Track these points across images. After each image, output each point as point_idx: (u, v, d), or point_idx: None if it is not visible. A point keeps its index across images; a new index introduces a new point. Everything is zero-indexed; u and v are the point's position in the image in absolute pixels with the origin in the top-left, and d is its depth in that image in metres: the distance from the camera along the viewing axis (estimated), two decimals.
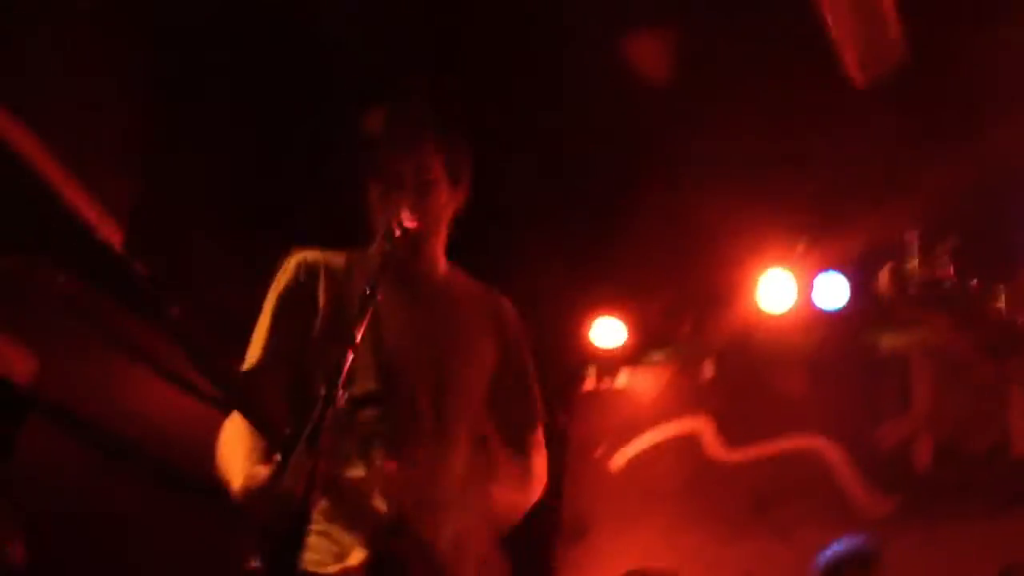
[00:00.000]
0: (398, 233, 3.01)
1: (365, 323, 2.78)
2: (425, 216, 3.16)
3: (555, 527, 7.11)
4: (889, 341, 6.71)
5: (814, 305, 6.65)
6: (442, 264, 3.37)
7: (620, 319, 7.19)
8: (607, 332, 7.20)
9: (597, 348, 7.27)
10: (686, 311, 7.15)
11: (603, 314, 7.18)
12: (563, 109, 5.87)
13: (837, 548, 5.61)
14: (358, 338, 2.74)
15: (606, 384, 7.45)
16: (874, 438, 6.63)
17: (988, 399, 6.36)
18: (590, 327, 7.20)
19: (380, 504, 2.97)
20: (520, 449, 3.39)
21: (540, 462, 3.41)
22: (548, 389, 6.64)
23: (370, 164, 3.23)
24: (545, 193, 6.16)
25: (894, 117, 5.66)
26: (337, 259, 3.27)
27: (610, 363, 7.40)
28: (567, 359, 7.32)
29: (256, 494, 2.79)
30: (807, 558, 5.72)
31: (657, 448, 7.24)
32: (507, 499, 3.27)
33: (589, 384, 7.48)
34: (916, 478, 6.43)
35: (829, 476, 6.66)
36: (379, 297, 2.85)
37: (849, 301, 6.57)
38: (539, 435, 3.45)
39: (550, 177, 6.13)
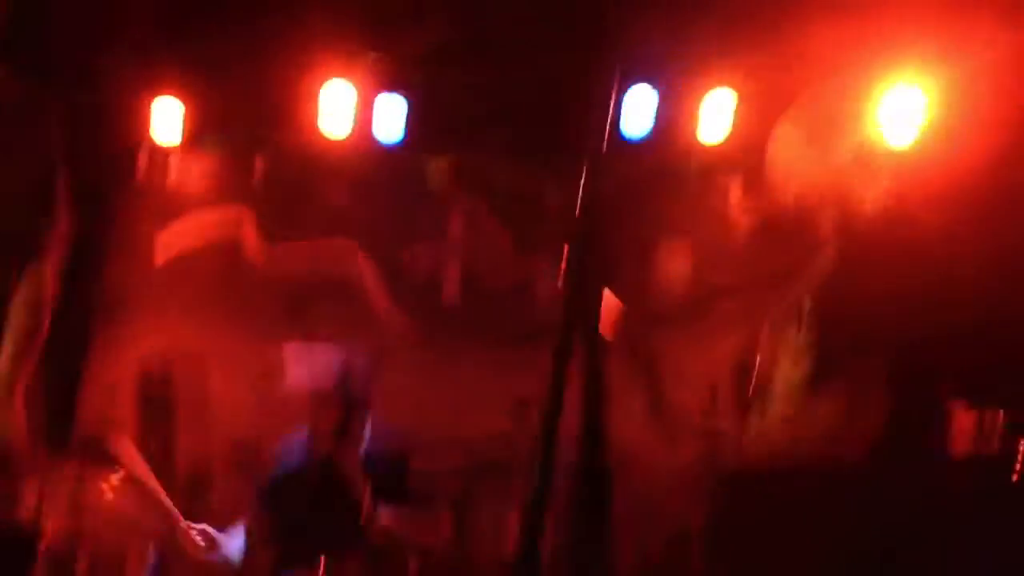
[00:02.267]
0: None
1: None
2: None
3: (95, 305, 7.12)
4: (439, 168, 7.02)
5: (369, 120, 6.81)
6: None
7: (179, 102, 7.05)
8: (164, 114, 7.05)
9: (152, 129, 7.13)
10: (248, 105, 7.13)
11: (163, 94, 7.03)
12: None
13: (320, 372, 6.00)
14: None
15: (157, 165, 7.38)
16: (405, 256, 6.99)
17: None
18: (147, 106, 7.04)
19: None
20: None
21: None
22: (96, 167, 6.70)
23: None
24: None
25: None
26: None
27: (163, 145, 7.30)
28: (121, 137, 7.17)
29: None
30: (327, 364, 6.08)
31: (199, 235, 7.31)
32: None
33: (142, 160, 7.38)
34: (440, 305, 6.85)
35: (360, 286, 7.00)
36: None
37: (408, 122, 6.78)
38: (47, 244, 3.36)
39: None
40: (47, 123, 3.32)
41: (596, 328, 2.82)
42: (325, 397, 5.82)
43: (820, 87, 3.53)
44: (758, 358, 3.39)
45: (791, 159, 3.42)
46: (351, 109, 6.77)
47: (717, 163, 6.75)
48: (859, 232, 3.34)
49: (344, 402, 5.78)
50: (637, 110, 6.47)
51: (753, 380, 3.39)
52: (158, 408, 6.72)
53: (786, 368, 3.29)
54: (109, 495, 4.92)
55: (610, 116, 2.93)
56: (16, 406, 3.08)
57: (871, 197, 3.34)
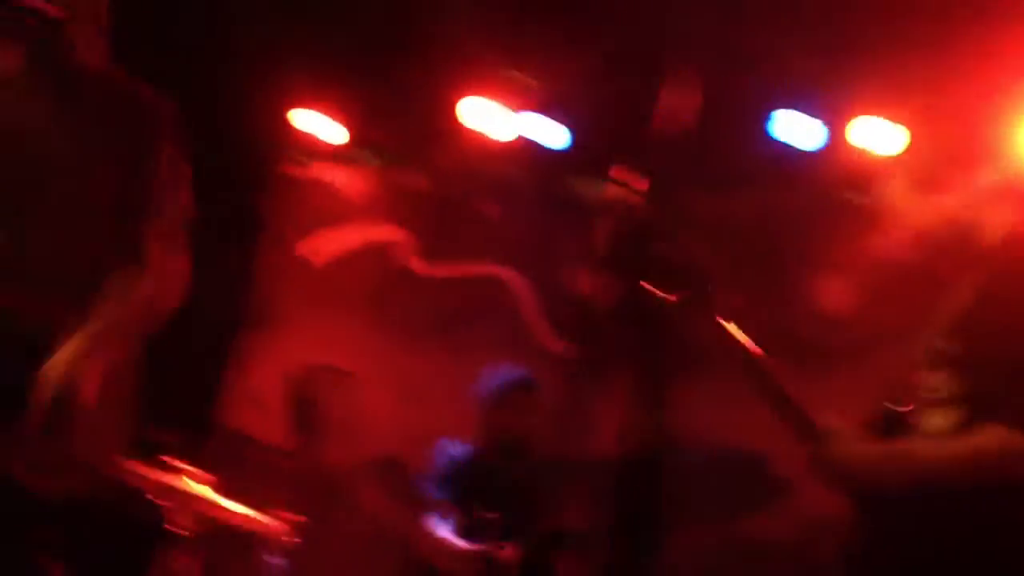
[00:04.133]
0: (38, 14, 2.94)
1: None
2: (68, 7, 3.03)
3: (242, 311, 7.14)
4: (596, 190, 6.92)
5: (526, 138, 6.75)
6: (91, 53, 3.22)
7: (334, 113, 7.04)
8: (320, 124, 7.05)
9: (304, 137, 7.12)
10: (401, 121, 7.10)
11: (317, 106, 7.02)
12: None
13: (503, 373, 5.97)
14: None
15: (313, 174, 7.39)
16: (563, 280, 6.91)
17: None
18: (301, 116, 7.03)
19: None
20: (142, 257, 3.23)
21: (165, 269, 3.26)
22: (247, 174, 6.72)
23: None
24: None
25: None
26: None
27: (315, 154, 7.30)
28: (274, 146, 7.20)
29: None
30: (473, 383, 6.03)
31: (351, 248, 7.32)
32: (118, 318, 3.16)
33: (294, 172, 7.40)
34: (597, 326, 6.74)
35: (513, 306, 6.94)
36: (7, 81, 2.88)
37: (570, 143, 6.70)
38: (168, 237, 3.28)
39: None
40: (158, 121, 3.29)
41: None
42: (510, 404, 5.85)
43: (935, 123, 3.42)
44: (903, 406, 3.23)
45: (909, 201, 3.31)
46: (510, 126, 6.70)
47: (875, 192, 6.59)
48: (998, 266, 3.19)
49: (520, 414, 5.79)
50: (794, 136, 6.35)
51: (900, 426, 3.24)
52: (306, 416, 6.70)
53: (934, 416, 3.13)
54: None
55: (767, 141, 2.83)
56: (87, 385, 3.00)
57: (1008, 228, 3.20)
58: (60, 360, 2.96)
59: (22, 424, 2.91)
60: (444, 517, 5.72)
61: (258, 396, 6.93)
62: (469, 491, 5.73)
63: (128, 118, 3.22)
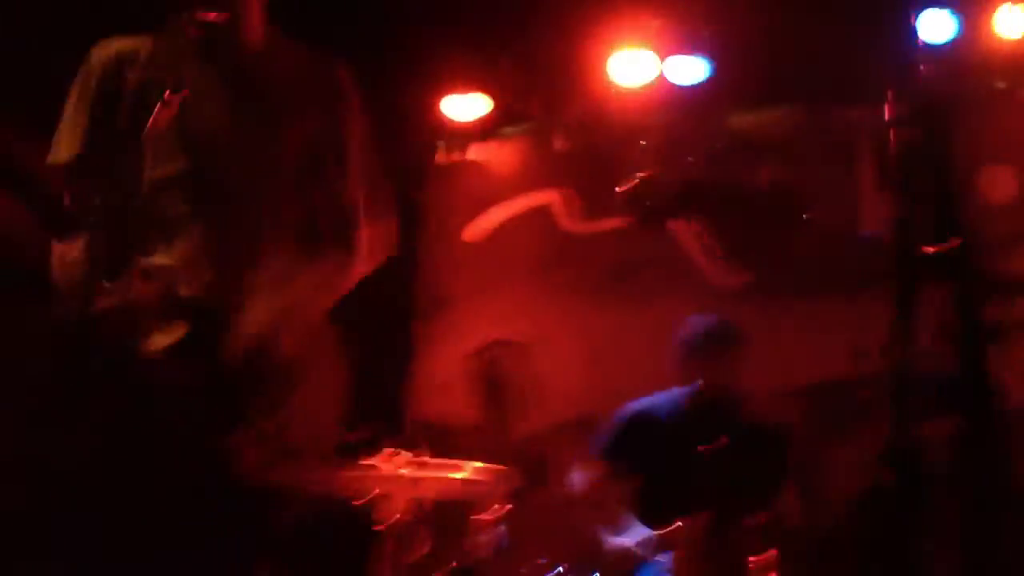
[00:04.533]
0: (201, 26, 2.99)
1: (163, 106, 2.82)
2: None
3: (412, 302, 7.19)
4: (742, 121, 6.85)
5: (668, 83, 6.59)
6: (258, 35, 3.25)
7: (476, 92, 6.99)
8: (461, 105, 7.03)
9: (450, 121, 7.11)
10: (539, 86, 7.07)
11: (458, 88, 6.99)
12: None
13: (701, 322, 5.73)
14: (157, 121, 2.80)
15: (459, 157, 7.41)
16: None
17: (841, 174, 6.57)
18: (443, 100, 7.02)
19: (185, 288, 2.99)
20: (345, 224, 3.29)
21: (372, 233, 3.31)
22: (399, 162, 6.77)
23: None
24: None
25: None
26: (145, 45, 3.16)
27: (463, 137, 7.32)
28: (420, 132, 7.22)
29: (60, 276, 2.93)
30: (663, 326, 5.94)
31: (512, 221, 7.31)
32: (326, 281, 3.22)
33: (441, 157, 7.42)
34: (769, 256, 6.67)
35: (683, 248, 6.86)
36: (185, 80, 2.86)
37: (704, 80, 6.55)
38: (370, 203, 3.33)
39: None
40: (342, 87, 3.31)
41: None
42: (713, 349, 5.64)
43: None
44: None
45: None
46: (644, 71, 6.60)
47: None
48: None
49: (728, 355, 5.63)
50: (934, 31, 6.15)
51: None
52: (490, 393, 6.74)
53: None
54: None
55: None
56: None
57: None
58: (256, 319, 3.00)
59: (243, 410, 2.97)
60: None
61: (444, 382, 6.98)
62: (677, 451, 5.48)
63: (310, 88, 3.26)
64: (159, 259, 3.01)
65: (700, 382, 5.64)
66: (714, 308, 5.90)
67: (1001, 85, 6.48)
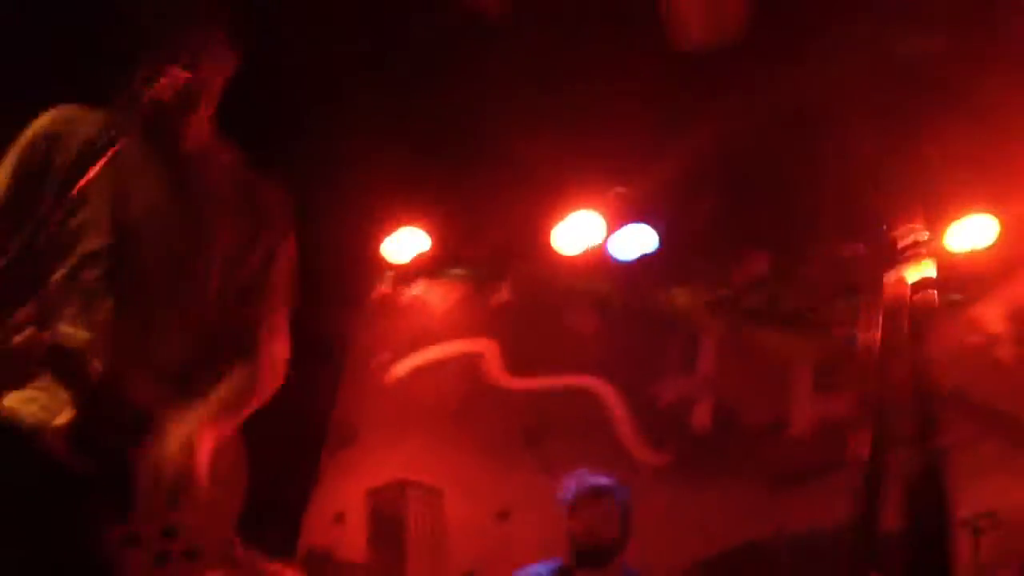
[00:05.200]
0: (158, 98, 2.89)
1: (93, 176, 2.74)
2: (193, 83, 2.99)
3: (326, 430, 7.09)
4: (684, 299, 6.85)
5: (611, 252, 6.65)
6: (204, 134, 3.19)
7: (422, 231, 7.00)
8: (406, 242, 7.02)
9: (394, 257, 7.09)
10: (490, 234, 7.09)
11: (406, 224, 7.00)
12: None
13: (579, 480, 5.64)
14: (80, 190, 2.75)
15: (398, 293, 7.38)
16: (654, 391, 6.81)
17: (772, 375, 6.58)
18: (388, 236, 7.01)
19: (96, 365, 2.89)
20: (250, 342, 3.21)
21: (271, 353, 3.23)
22: (337, 291, 6.73)
23: (136, 21, 3.04)
24: (371, 106, 6.05)
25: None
26: (90, 117, 3.09)
27: (406, 273, 7.32)
28: (363, 264, 7.20)
29: None
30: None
31: (440, 364, 7.26)
32: (236, 395, 3.13)
33: (381, 292, 7.39)
34: (691, 438, 6.63)
35: (605, 420, 6.82)
36: (125, 156, 2.83)
37: (652, 253, 6.59)
38: (275, 324, 3.26)
39: (377, 93, 6.02)
40: (275, 210, 3.29)
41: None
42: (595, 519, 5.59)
43: None
44: None
45: None
46: (596, 239, 6.63)
47: None
48: None
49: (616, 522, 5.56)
50: None
51: None
52: (389, 534, 6.60)
53: None
54: None
55: None
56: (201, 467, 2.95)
57: None
58: (174, 439, 2.91)
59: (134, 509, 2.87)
60: None
61: (342, 513, 6.85)
62: None
63: (243, 199, 3.21)
64: (74, 330, 2.91)
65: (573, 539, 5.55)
66: (626, 480, 5.82)
67: (953, 298, 6.48)
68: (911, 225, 3.38)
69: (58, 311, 2.92)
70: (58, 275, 2.94)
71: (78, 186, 2.72)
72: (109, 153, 2.77)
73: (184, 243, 3.08)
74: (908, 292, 3.25)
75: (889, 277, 3.30)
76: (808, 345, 6.52)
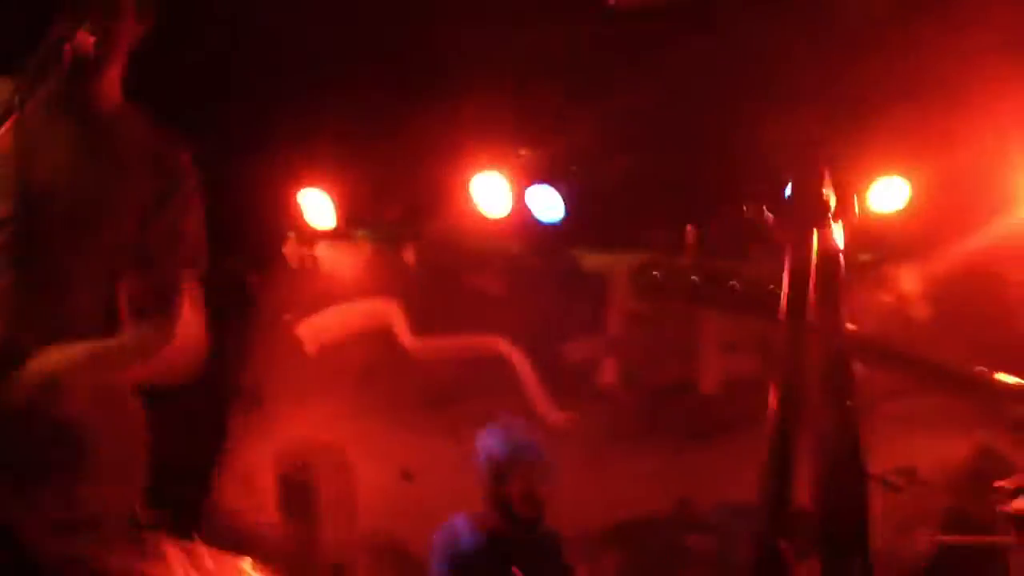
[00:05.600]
0: (69, 56, 2.89)
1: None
2: (103, 44, 2.98)
3: (234, 391, 7.03)
4: (593, 261, 6.90)
5: (526, 213, 6.62)
6: (114, 96, 3.17)
7: (329, 192, 6.91)
8: (314, 204, 6.94)
9: (301, 218, 7.02)
10: (398, 196, 7.05)
11: (313, 185, 6.91)
12: None
13: (506, 439, 5.50)
14: None
15: (305, 253, 7.32)
16: (561, 352, 6.85)
17: (679, 335, 6.65)
18: (297, 196, 6.93)
19: None
20: (166, 300, 3.17)
21: (183, 315, 3.18)
22: (243, 253, 6.66)
23: None
24: (275, 66, 5.99)
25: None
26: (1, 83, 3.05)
27: (312, 234, 7.24)
28: (269, 225, 7.12)
29: None
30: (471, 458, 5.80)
31: (346, 325, 7.23)
32: (138, 346, 3.12)
33: (289, 250, 7.32)
34: (598, 398, 6.69)
35: (511, 381, 6.85)
36: (31, 119, 2.84)
37: (563, 216, 6.59)
38: (184, 286, 3.22)
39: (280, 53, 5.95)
40: (180, 168, 3.26)
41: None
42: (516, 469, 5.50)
43: None
44: None
45: None
46: (504, 200, 6.62)
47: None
48: None
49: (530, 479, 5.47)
50: None
51: None
52: (299, 497, 6.59)
53: None
54: None
55: None
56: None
57: None
58: (47, 361, 2.89)
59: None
60: None
61: (250, 476, 6.81)
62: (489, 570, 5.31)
63: (151, 161, 3.18)
64: None
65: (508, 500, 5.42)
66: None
67: (865, 258, 6.55)
68: (821, 187, 3.44)
69: None
70: None
71: None
72: (11, 120, 2.75)
73: (91, 204, 3.05)
74: (817, 252, 3.31)
75: (800, 238, 3.36)
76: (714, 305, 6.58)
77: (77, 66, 2.93)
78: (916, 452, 5.64)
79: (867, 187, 6.11)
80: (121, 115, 3.20)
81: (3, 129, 2.75)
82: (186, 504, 5.92)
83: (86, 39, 2.90)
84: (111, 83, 3.14)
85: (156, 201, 3.16)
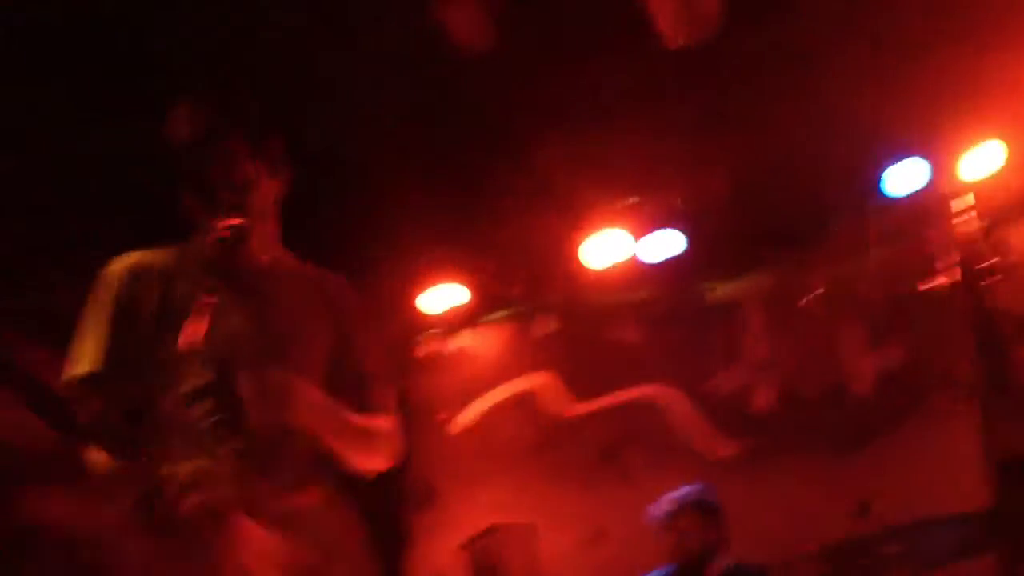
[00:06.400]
0: (221, 237, 2.99)
1: (197, 317, 2.84)
2: (246, 215, 3.05)
3: (403, 495, 7.18)
4: (722, 290, 6.95)
5: (641, 260, 6.71)
6: (272, 252, 3.26)
7: (458, 282, 7.06)
8: (443, 296, 7.09)
9: (432, 312, 7.17)
10: (519, 271, 7.16)
11: (440, 279, 7.06)
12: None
13: (673, 496, 5.75)
14: (185, 337, 2.82)
15: (440, 348, 7.48)
16: (711, 385, 6.88)
17: (820, 342, 6.64)
18: (424, 292, 7.07)
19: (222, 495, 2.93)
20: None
21: (386, 426, 3.28)
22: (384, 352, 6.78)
23: (179, 171, 3.12)
24: (382, 163, 6.12)
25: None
26: (162, 259, 3.17)
27: (447, 326, 7.42)
28: (398, 326, 7.26)
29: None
30: (654, 502, 5.91)
31: (500, 407, 7.36)
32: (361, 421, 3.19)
33: (425, 348, 7.49)
34: (758, 422, 6.70)
35: (670, 422, 6.90)
36: (212, 298, 2.89)
37: (680, 253, 6.67)
38: (390, 405, 3.31)
39: (386, 148, 6.08)
40: (351, 303, 3.38)
41: None
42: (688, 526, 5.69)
43: None
44: None
45: None
46: (623, 250, 6.72)
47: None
48: None
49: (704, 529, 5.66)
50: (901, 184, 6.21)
51: None
52: None
53: None
54: None
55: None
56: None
57: None
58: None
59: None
60: None
61: (441, 571, 6.91)
62: None
63: (325, 300, 3.30)
64: (186, 468, 2.95)
65: (674, 554, 5.66)
66: (703, 478, 5.90)
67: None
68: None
69: (169, 452, 2.97)
70: (164, 408, 3.01)
71: (185, 333, 2.81)
72: (211, 302, 2.88)
73: (282, 354, 3.12)
74: (957, 232, 3.32)
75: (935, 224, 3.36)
76: (851, 304, 6.60)
77: (232, 242, 3.02)
78: None
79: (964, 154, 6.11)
80: (276, 263, 3.27)
81: (203, 316, 2.87)
82: None
83: (229, 222, 3.01)
84: (264, 240, 3.22)
85: (338, 338, 3.26)
